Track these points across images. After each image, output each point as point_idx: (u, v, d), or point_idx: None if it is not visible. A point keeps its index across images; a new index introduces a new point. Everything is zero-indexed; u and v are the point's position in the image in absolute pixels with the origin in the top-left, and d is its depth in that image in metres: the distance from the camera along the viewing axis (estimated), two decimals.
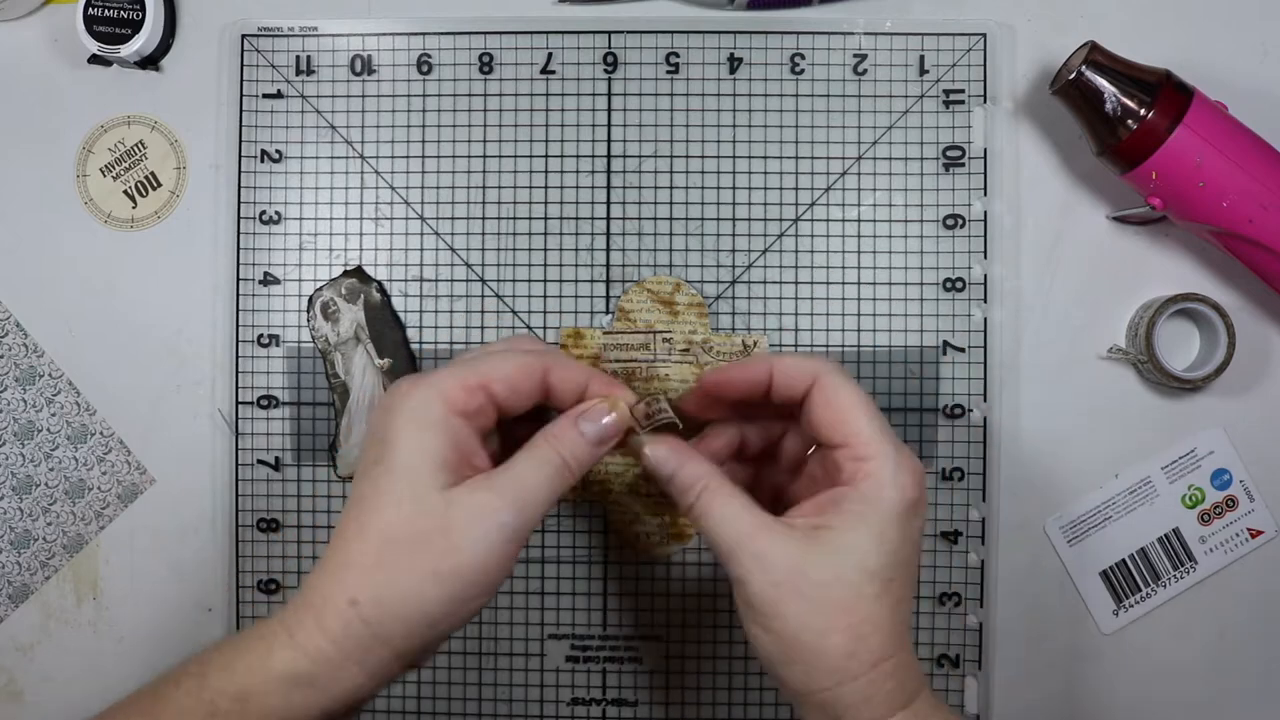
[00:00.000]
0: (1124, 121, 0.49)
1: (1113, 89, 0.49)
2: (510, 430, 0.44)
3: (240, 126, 0.55)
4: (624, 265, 0.55)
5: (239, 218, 0.55)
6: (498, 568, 0.39)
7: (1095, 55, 0.50)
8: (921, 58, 0.55)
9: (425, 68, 0.55)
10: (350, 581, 0.38)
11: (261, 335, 0.55)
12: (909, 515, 0.40)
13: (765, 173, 0.55)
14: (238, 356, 0.55)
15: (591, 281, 0.55)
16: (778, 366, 0.43)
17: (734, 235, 0.55)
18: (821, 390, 0.41)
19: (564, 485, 0.41)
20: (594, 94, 0.55)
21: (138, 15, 0.54)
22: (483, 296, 0.55)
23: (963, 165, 0.55)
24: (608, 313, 0.55)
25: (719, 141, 0.55)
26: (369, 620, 0.38)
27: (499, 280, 0.55)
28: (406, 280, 0.55)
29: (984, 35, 0.55)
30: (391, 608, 0.38)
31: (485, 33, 0.55)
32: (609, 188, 0.55)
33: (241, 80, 0.56)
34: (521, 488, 0.39)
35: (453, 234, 0.55)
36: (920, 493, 0.40)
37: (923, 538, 0.42)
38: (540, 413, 0.44)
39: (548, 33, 0.55)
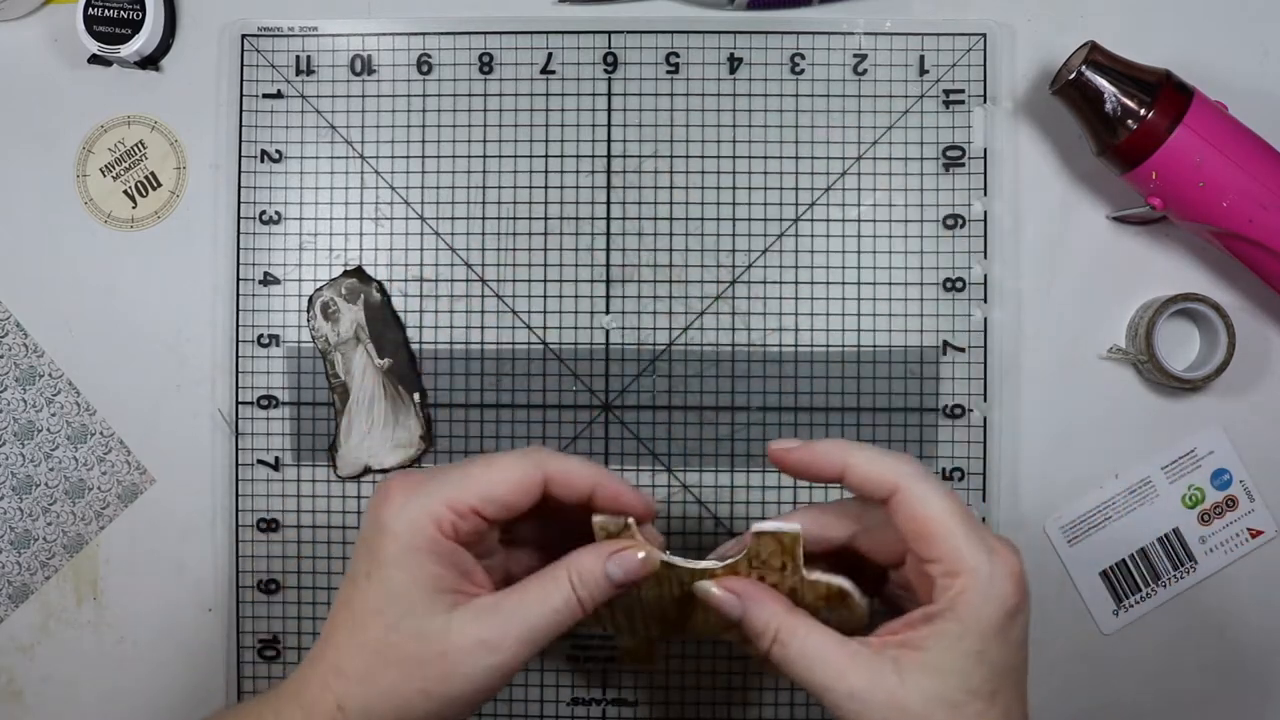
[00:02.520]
0: (1124, 121, 0.49)
1: (1113, 89, 0.49)
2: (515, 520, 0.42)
3: (240, 126, 0.55)
4: (624, 265, 0.55)
5: (239, 218, 0.55)
6: (490, 692, 0.38)
7: (1095, 55, 0.50)
8: (921, 58, 0.55)
9: (425, 68, 0.55)
10: (339, 688, 0.38)
11: (261, 335, 0.55)
12: (1010, 624, 0.37)
13: (765, 173, 0.55)
14: (238, 356, 0.55)
15: (591, 281, 0.55)
16: (852, 468, 0.39)
17: (734, 235, 0.55)
18: (906, 501, 0.38)
19: (572, 620, 0.39)
20: (594, 94, 0.55)
21: (138, 15, 0.54)
22: (483, 296, 0.55)
23: (963, 165, 0.55)
24: (607, 313, 0.55)
25: (719, 141, 0.55)
26: None
27: (499, 280, 0.55)
28: (406, 280, 0.55)
29: (984, 35, 0.55)
30: (378, 717, 0.38)
31: (485, 33, 0.55)
32: (609, 188, 0.55)
33: (241, 80, 0.56)
34: (527, 622, 0.38)
35: (453, 234, 0.55)
36: (1022, 596, 0.37)
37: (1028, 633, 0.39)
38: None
39: (548, 33, 0.55)
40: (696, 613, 0.42)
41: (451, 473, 0.39)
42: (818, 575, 0.40)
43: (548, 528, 0.43)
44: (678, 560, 0.41)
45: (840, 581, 0.40)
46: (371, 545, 0.39)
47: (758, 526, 0.40)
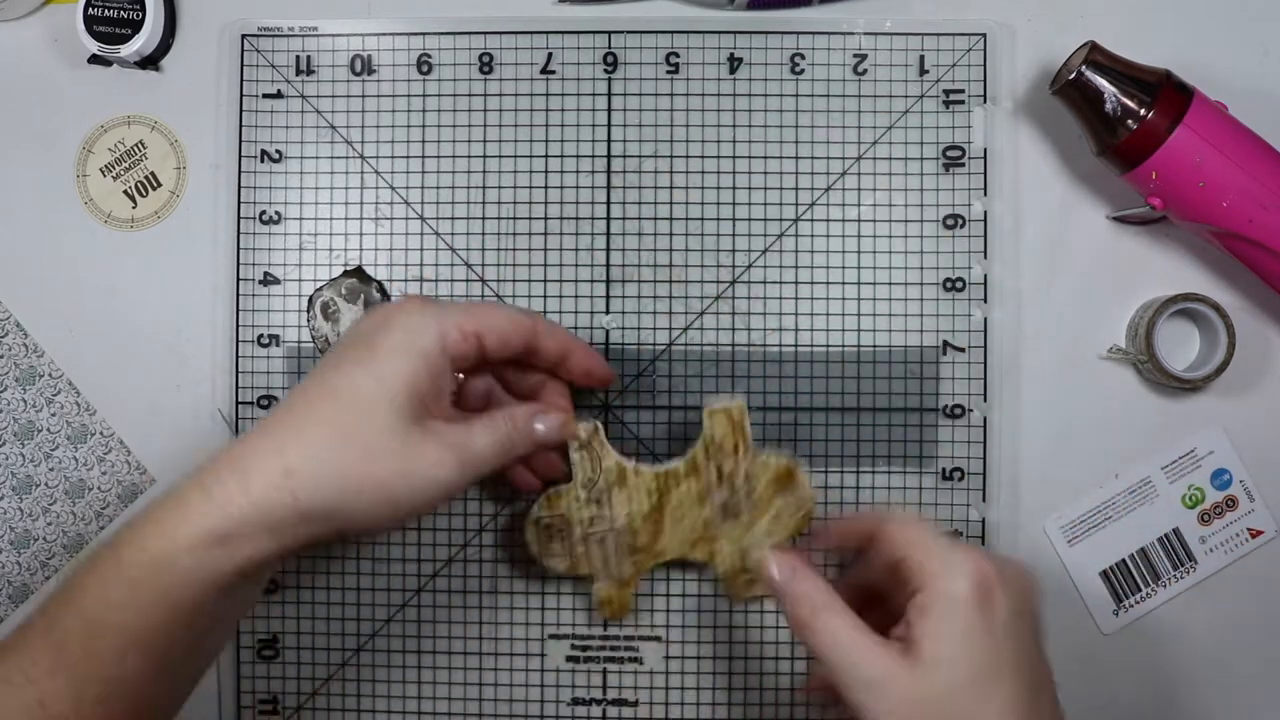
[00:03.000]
0: (1124, 121, 0.49)
1: (1113, 89, 0.49)
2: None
3: (240, 126, 0.55)
4: (624, 265, 0.55)
5: (239, 218, 0.55)
6: (426, 507, 0.42)
7: (1095, 55, 0.50)
8: (921, 58, 0.55)
9: (425, 68, 0.55)
10: (293, 455, 0.39)
11: (261, 335, 0.55)
12: (986, 603, 0.39)
13: (765, 173, 0.55)
14: (238, 356, 0.55)
15: (591, 281, 0.55)
16: (846, 533, 0.46)
17: (734, 235, 0.55)
18: (884, 535, 0.43)
19: (506, 458, 0.44)
20: (594, 94, 0.55)
21: (138, 15, 0.54)
22: (483, 296, 0.55)
23: (963, 165, 0.55)
24: (607, 313, 0.55)
25: (719, 141, 0.55)
26: (300, 497, 0.39)
27: (499, 280, 0.55)
28: (406, 280, 0.55)
29: (984, 35, 0.55)
30: (325, 495, 0.39)
31: (485, 33, 0.55)
32: (609, 188, 0.55)
33: (241, 80, 0.56)
34: (470, 452, 0.42)
35: (453, 234, 0.55)
36: (986, 578, 0.40)
37: (1038, 638, 0.42)
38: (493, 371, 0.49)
39: (548, 33, 0.55)
40: (665, 530, 0.48)
41: (460, 303, 0.45)
42: (767, 455, 0.48)
43: (491, 402, 0.49)
44: (644, 467, 0.48)
45: (787, 460, 0.48)
46: (372, 339, 0.42)
47: (708, 405, 0.48)
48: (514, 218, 0.55)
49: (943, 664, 0.39)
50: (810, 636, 0.41)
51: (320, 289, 0.55)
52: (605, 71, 0.55)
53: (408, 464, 0.40)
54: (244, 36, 0.56)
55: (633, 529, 0.49)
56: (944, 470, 0.54)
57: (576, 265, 0.55)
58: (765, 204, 0.55)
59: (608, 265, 0.55)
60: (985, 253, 0.55)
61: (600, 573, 0.50)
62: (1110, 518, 0.55)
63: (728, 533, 0.49)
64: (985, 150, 0.55)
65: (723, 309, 0.55)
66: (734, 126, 0.55)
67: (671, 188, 0.55)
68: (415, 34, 0.55)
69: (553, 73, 0.55)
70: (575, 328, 0.55)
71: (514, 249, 0.55)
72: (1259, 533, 0.55)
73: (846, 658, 0.40)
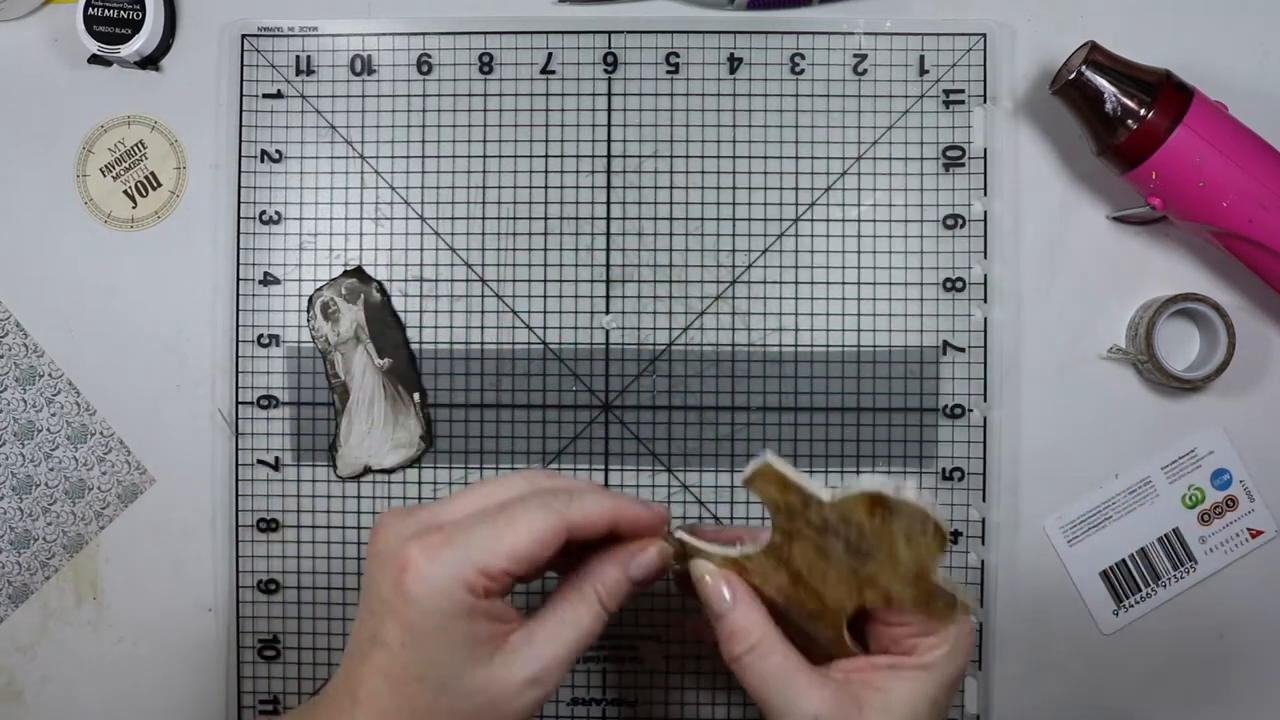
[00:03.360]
0: (1124, 121, 0.49)
1: (1113, 89, 0.49)
2: None
3: (240, 126, 0.55)
4: (624, 265, 0.55)
5: (239, 218, 0.55)
6: (534, 714, 0.39)
7: (1095, 55, 0.50)
8: (921, 58, 0.55)
9: (425, 68, 0.55)
10: None
11: (261, 335, 0.55)
12: (960, 678, 0.41)
13: (765, 173, 0.55)
14: (238, 356, 0.55)
15: (591, 281, 0.55)
16: None
17: (734, 235, 0.55)
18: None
19: (602, 629, 0.40)
20: (594, 94, 0.55)
21: (138, 15, 0.54)
22: (483, 296, 0.55)
23: (963, 165, 0.55)
24: (607, 313, 0.55)
25: (719, 141, 0.55)
26: None
27: (499, 280, 0.55)
28: (406, 280, 0.55)
29: (984, 35, 0.55)
30: None
31: (485, 33, 0.55)
32: (609, 188, 0.55)
33: (241, 80, 0.56)
34: (565, 647, 0.38)
35: (453, 234, 0.55)
36: (968, 659, 0.41)
37: None
38: None
39: (548, 33, 0.55)
40: (823, 590, 0.40)
41: (474, 532, 0.37)
42: (844, 490, 0.37)
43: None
44: (705, 546, 0.41)
45: (865, 487, 0.37)
46: (400, 614, 0.37)
47: (746, 473, 0.39)
48: (514, 218, 0.55)
49: (901, 717, 0.39)
50: (745, 672, 0.40)
51: (320, 289, 0.55)
52: (605, 71, 0.55)
53: (502, 707, 0.37)
54: (244, 36, 0.56)
55: (798, 601, 0.41)
56: (944, 470, 0.54)
57: (576, 265, 0.55)
58: (765, 204, 0.55)
59: (608, 265, 0.55)
60: (985, 253, 0.55)
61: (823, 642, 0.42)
62: (1110, 518, 0.55)
63: (883, 572, 0.39)
64: (985, 150, 0.55)
65: (723, 309, 0.55)
66: (734, 126, 0.55)
67: (671, 188, 0.55)
68: (415, 34, 0.55)
69: (553, 73, 0.55)
70: (575, 328, 0.55)
71: (514, 249, 0.55)
72: (1259, 533, 0.55)
73: (793, 693, 0.39)
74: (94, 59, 0.55)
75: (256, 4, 0.56)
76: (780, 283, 0.55)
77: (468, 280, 0.55)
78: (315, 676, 0.55)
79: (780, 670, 0.39)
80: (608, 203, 0.55)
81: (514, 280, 0.55)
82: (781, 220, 0.55)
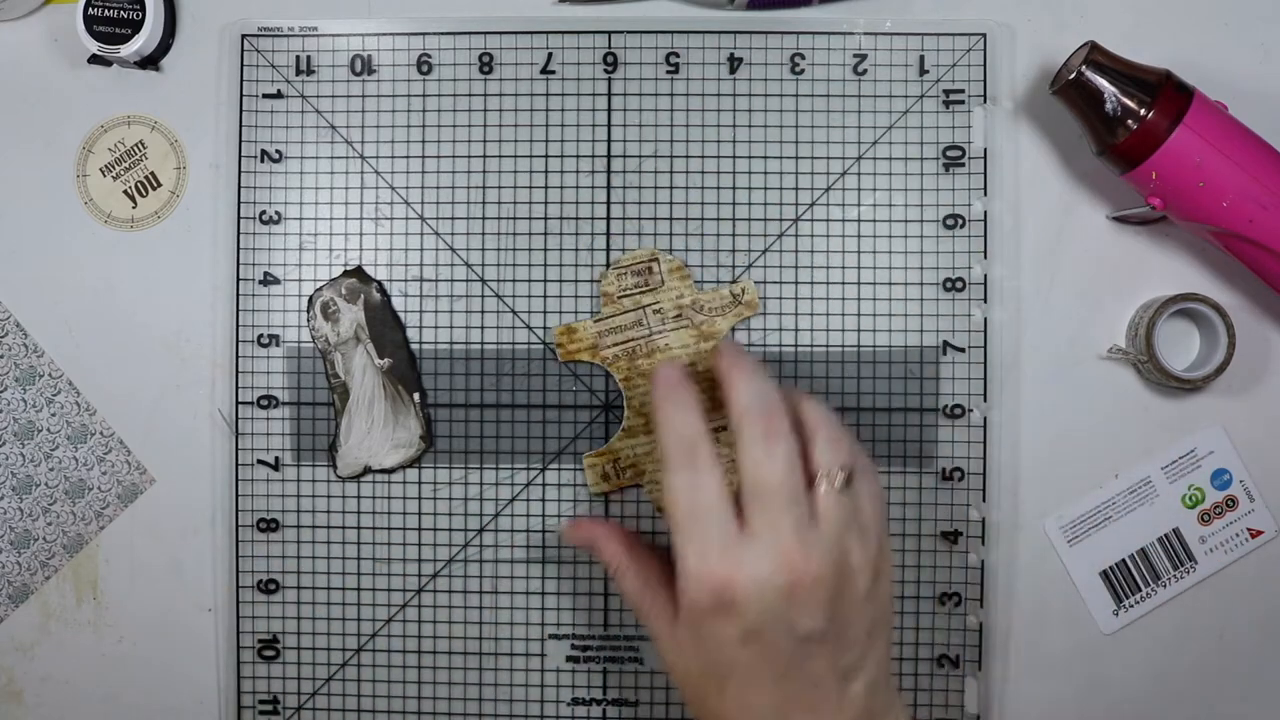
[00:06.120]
0: (1124, 121, 0.49)
1: (1113, 89, 0.49)
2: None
3: (240, 126, 0.55)
4: None
5: (239, 218, 0.55)
6: None
7: (1095, 55, 0.50)
8: (921, 58, 0.55)
9: (425, 68, 0.55)
10: None
11: (261, 335, 0.55)
12: (713, 619, 0.41)
13: (765, 173, 0.55)
14: (238, 356, 0.55)
15: (592, 281, 0.55)
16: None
17: (734, 235, 0.55)
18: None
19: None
20: (594, 94, 0.55)
21: (138, 15, 0.54)
22: (483, 296, 0.55)
23: (963, 165, 0.55)
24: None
25: (719, 141, 0.55)
26: None
27: (499, 280, 0.55)
28: (406, 280, 0.55)
29: (984, 35, 0.55)
30: None
31: (485, 33, 0.55)
32: (609, 188, 0.55)
33: (241, 80, 0.56)
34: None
35: (453, 234, 0.55)
36: (713, 599, 0.40)
37: (773, 645, 0.41)
38: None
39: (548, 33, 0.55)
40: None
41: None
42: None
43: None
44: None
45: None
46: None
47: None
48: (514, 218, 0.55)
49: (681, 651, 0.43)
50: (623, 593, 0.46)
51: (320, 289, 0.55)
52: (605, 71, 0.55)
53: None
54: (244, 36, 0.56)
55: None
56: (944, 470, 0.54)
57: (576, 265, 0.55)
58: (765, 204, 0.55)
59: (608, 265, 0.55)
60: (985, 253, 0.55)
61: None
62: (1110, 518, 0.55)
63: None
64: (985, 150, 0.55)
65: None
66: (734, 126, 0.55)
67: (671, 188, 0.55)
68: (415, 34, 0.55)
69: (553, 73, 0.55)
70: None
71: (514, 249, 0.55)
72: (1259, 533, 0.55)
73: (641, 612, 0.45)
74: (94, 59, 0.55)
75: (256, 4, 0.56)
76: (780, 282, 0.55)
77: (468, 280, 0.55)
78: (315, 676, 0.55)
79: (633, 592, 0.46)
80: (608, 203, 0.55)
81: (514, 280, 0.55)
82: (781, 220, 0.55)
